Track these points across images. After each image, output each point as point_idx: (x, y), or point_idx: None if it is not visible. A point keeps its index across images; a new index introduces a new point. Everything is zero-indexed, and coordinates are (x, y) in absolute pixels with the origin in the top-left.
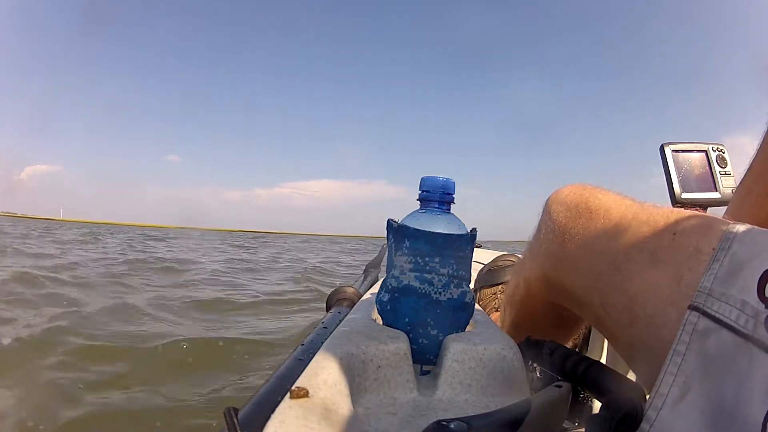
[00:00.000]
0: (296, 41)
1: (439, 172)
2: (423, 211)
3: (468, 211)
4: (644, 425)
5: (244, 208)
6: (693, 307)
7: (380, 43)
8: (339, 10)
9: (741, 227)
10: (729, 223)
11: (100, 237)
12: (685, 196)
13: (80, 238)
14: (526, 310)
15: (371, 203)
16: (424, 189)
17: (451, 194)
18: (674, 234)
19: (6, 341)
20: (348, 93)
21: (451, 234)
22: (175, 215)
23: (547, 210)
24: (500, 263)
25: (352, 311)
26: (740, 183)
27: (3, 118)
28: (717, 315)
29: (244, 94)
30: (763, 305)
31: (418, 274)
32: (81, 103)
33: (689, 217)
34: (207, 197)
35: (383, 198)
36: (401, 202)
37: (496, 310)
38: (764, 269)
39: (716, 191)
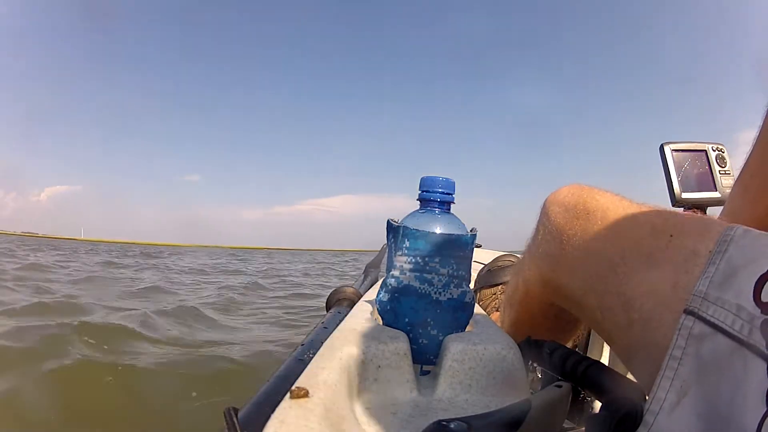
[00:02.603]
0: (310, 55)
1: (463, 182)
2: (423, 211)
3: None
4: (642, 430)
5: (263, 225)
6: (688, 312)
7: (400, 56)
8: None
9: (738, 230)
10: (726, 226)
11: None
12: (684, 195)
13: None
14: (525, 310)
15: (394, 216)
16: (424, 189)
17: (451, 194)
18: (671, 236)
19: None
20: (364, 107)
21: (450, 234)
22: (195, 234)
23: (544, 211)
24: (500, 263)
25: (352, 311)
26: (737, 180)
27: (21, 139)
28: (712, 319)
29: (264, 113)
30: (759, 310)
31: (418, 274)
32: (100, 124)
33: (687, 219)
34: (226, 215)
35: (404, 212)
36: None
37: (497, 310)
38: (760, 273)
39: (716, 191)
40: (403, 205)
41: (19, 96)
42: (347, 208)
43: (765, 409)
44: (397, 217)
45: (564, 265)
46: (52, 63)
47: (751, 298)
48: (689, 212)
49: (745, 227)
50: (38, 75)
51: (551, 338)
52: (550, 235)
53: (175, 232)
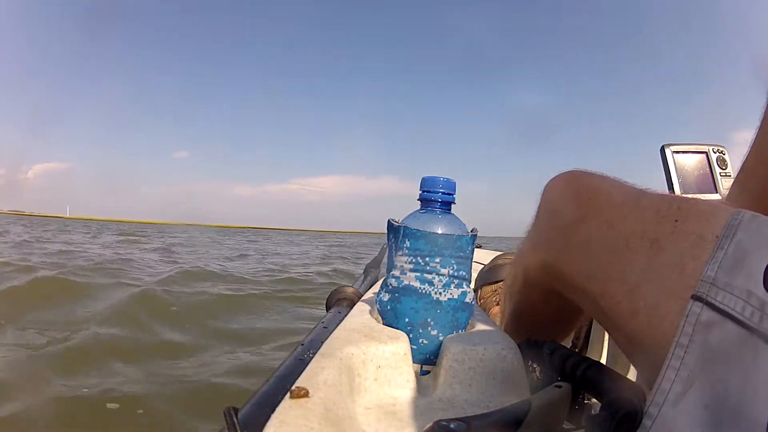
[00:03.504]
0: (303, 40)
1: (447, 165)
2: (423, 211)
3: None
4: (646, 421)
5: (253, 204)
6: (696, 297)
7: (391, 39)
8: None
9: (746, 215)
10: (733, 210)
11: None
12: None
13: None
14: (526, 299)
15: (380, 198)
16: (425, 189)
17: (452, 194)
18: (677, 221)
19: None
20: (355, 89)
21: (451, 234)
22: (184, 213)
23: (545, 197)
24: (500, 262)
25: (352, 311)
26: (734, 180)
27: (12, 116)
28: (721, 306)
29: (253, 90)
30: None
31: (418, 274)
32: (89, 101)
33: (692, 204)
34: (216, 193)
35: (393, 193)
36: (412, 197)
37: (496, 304)
38: None
39: (716, 192)
40: (392, 186)
41: (11, 79)
42: (336, 188)
43: None
44: (398, 216)
45: (566, 251)
46: (40, 51)
47: (762, 285)
48: (694, 198)
49: (752, 213)
50: (28, 62)
51: (552, 328)
52: (551, 221)
53: (165, 210)
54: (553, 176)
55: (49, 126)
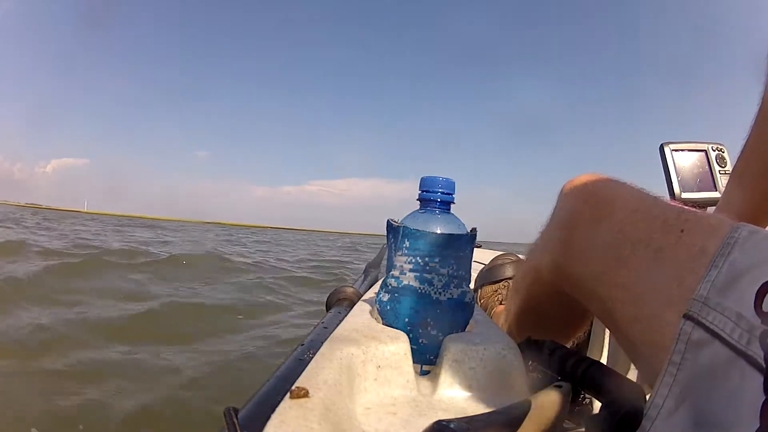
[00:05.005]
0: (323, 39)
1: (464, 168)
2: (423, 211)
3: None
4: None
5: (270, 204)
6: (688, 316)
7: (410, 42)
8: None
9: (744, 231)
10: (732, 226)
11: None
12: (684, 195)
13: None
14: (534, 297)
15: (401, 202)
16: (424, 189)
17: (451, 194)
18: (682, 231)
19: None
20: (373, 91)
21: (450, 234)
22: (201, 211)
23: (561, 197)
24: (500, 261)
25: (352, 311)
26: (733, 167)
27: (31, 110)
28: (711, 326)
29: (275, 92)
30: (759, 320)
31: (417, 274)
32: (111, 97)
33: (700, 216)
34: (235, 193)
35: (412, 197)
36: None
37: (500, 304)
38: (763, 281)
39: (716, 190)
40: (412, 189)
41: (33, 77)
42: (354, 190)
43: (758, 425)
44: (397, 217)
45: (577, 252)
46: (62, 47)
47: (752, 307)
48: (704, 211)
49: (752, 228)
50: (51, 58)
51: (555, 327)
52: (566, 221)
53: (181, 207)
54: (572, 177)
55: (69, 121)
